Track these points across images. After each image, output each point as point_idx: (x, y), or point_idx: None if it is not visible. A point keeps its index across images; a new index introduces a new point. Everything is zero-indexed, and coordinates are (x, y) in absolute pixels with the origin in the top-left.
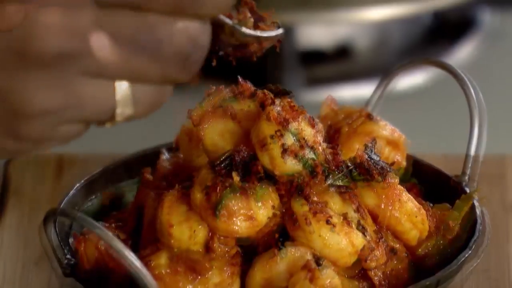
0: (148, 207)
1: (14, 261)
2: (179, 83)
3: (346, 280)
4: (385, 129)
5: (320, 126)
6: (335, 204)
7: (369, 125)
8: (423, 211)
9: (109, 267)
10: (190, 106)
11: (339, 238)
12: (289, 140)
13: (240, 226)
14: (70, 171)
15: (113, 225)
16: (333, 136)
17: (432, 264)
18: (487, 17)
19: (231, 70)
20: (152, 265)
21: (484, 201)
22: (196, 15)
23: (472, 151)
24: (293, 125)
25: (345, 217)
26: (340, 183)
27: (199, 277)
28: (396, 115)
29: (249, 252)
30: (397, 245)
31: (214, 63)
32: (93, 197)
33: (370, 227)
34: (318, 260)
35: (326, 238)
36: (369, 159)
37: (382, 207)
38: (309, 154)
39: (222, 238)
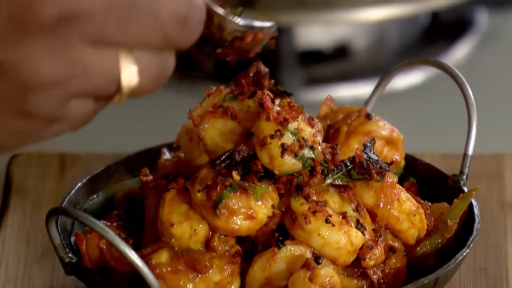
0: (149, 205)
1: (17, 259)
2: (181, 50)
3: (345, 279)
4: (384, 128)
5: (319, 125)
6: (334, 203)
7: (368, 125)
8: (421, 210)
9: (111, 265)
10: (190, 106)
11: (338, 237)
12: (289, 139)
13: (240, 224)
14: (72, 169)
15: (114, 223)
16: (332, 135)
17: (430, 263)
18: (484, 18)
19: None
20: (153, 263)
21: (477, 190)
22: None
23: (470, 151)
24: (293, 125)
25: (344, 216)
26: (339, 182)
27: (199, 276)
28: (394, 114)
29: (249, 250)
30: (396, 244)
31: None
32: (95, 196)
33: (369, 226)
34: (317, 258)
35: (326, 236)
36: (368, 158)
37: (381, 206)
38: (308, 154)
39: (222, 236)
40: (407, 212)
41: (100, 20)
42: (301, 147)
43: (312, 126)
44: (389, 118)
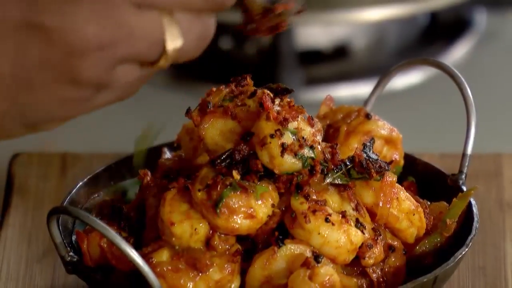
0: (150, 205)
1: (18, 258)
2: (220, 10)
3: (345, 277)
4: (383, 128)
5: (319, 125)
6: (334, 202)
7: (367, 124)
8: (420, 209)
9: (112, 264)
10: (190, 106)
11: (338, 236)
12: (289, 139)
13: (240, 223)
14: (73, 169)
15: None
16: (332, 135)
17: (429, 261)
18: (482, 18)
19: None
20: (154, 262)
21: (476, 190)
22: None
23: (469, 150)
24: (293, 125)
25: (343, 215)
26: (338, 181)
27: (200, 274)
28: (393, 113)
29: (249, 249)
30: (395, 243)
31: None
32: (96, 195)
33: (369, 224)
34: (317, 257)
35: (325, 235)
36: (367, 157)
37: (380, 205)
38: (308, 153)
39: (222, 235)
40: (406, 211)
41: None
42: (301, 146)
43: (312, 125)
44: (388, 118)
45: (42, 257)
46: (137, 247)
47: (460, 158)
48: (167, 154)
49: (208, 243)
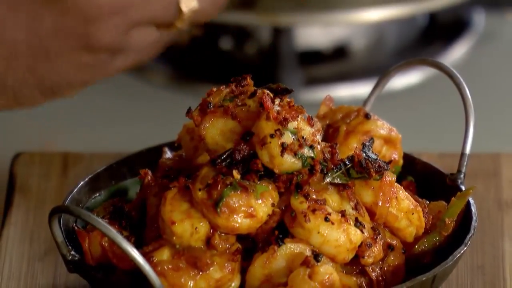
0: (151, 204)
1: (20, 256)
2: None
3: (344, 276)
4: (383, 128)
5: (318, 125)
6: (334, 202)
7: (366, 124)
8: (419, 208)
9: (113, 263)
10: (191, 106)
11: (337, 235)
12: (288, 138)
13: (240, 222)
14: (75, 169)
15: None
16: (331, 134)
17: (428, 260)
18: (481, 19)
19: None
20: (155, 261)
21: (474, 189)
22: None
23: (468, 150)
24: (292, 124)
25: (343, 214)
26: (338, 181)
27: (200, 273)
28: (392, 113)
29: (249, 248)
30: (394, 242)
31: None
32: (97, 194)
33: (368, 224)
34: (317, 256)
35: (325, 234)
36: (366, 157)
37: (380, 204)
38: (307, 153)
39: (223, 234)
40: (405, 210)
41: None
42: (300, 146)
43: (311, 125)
44: (387, 118)
45: (44, 255)
46: (138, 246)
47: (459, 158)
48: (168, 154)
49: (208, 242)
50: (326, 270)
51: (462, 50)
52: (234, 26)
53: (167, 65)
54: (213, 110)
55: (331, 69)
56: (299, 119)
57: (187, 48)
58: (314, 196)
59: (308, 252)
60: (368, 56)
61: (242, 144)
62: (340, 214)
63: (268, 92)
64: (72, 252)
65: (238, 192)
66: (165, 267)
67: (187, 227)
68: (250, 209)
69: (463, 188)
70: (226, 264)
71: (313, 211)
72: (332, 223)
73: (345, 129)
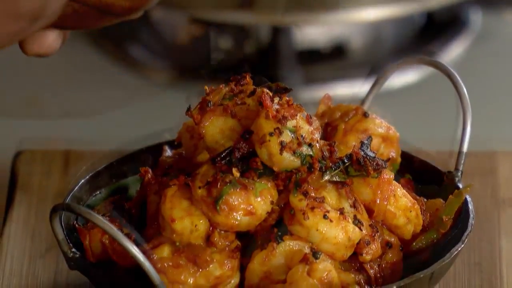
0: (151, 202)
1: (21, 253)
2: None
3: (343, 273)
4: (381, 126)
5: (317, 123)
6: (332, 199)
7: (364, 123)
8: (417, 206)
9: (113, 260)
10: (191, 104)
11: (336, 232)
12: (287, 137)
13: (240, 220)
14: (76, 166)
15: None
16: (330, 133)
17: (425, 257)
18: (478, 18)
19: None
20: (155, 258)
21: (471, 187)
22: None
23: (465, 148)
24: (291, 123)
25: (341, 211)
26: (336, 178)
27: (200, 270)
28: (390, 112)
29: (249, 245)
30: (392, 239)
31: None
32: (98, 192)
33: (366, 221)
34: (315, 253)
35: (323, 232)
36: (364, 155)
37: (378, 202)
38: (306, 151)
39: (222, 232)
40: (403, 208)
41: None
42: (299, 144)
43: (310, 124)
44: (385, 116)
45: (45, 253)
46: (138, 244)
47: (456, 156)
48: (168, 152)
49: (208, 239)
50: (325, 267)
51: (459, 49)
52: (233, 25)
53: (167, 64)
54: (212, 109)
55: (329, 67)
56: (298, 117)
57: (187, 47)
58: (312, 194)
59: (306, 249)
60: (366, 55)
61: (242, 142)
62: (338, 212)
63: (267, 91)
64: (73, 249)
65: (238, 189)
66: (165, 264)
67: (187, 224)
68: (250, 206)
69: (460, 186)
70: (225, 261)
71: (312, 208)
72: (331, 221)
73: (343, 127)
